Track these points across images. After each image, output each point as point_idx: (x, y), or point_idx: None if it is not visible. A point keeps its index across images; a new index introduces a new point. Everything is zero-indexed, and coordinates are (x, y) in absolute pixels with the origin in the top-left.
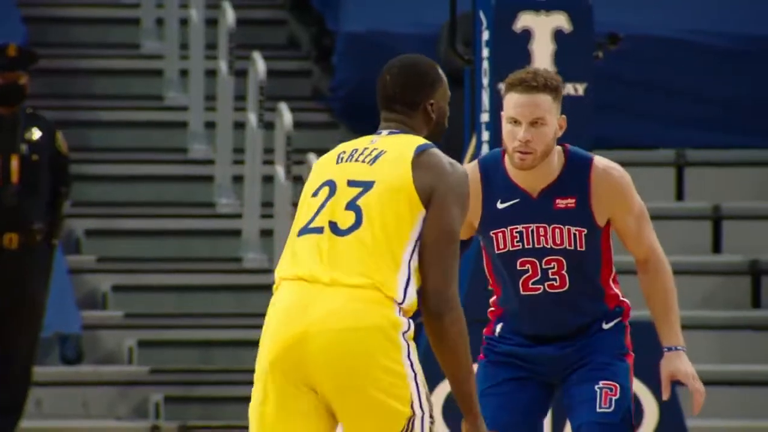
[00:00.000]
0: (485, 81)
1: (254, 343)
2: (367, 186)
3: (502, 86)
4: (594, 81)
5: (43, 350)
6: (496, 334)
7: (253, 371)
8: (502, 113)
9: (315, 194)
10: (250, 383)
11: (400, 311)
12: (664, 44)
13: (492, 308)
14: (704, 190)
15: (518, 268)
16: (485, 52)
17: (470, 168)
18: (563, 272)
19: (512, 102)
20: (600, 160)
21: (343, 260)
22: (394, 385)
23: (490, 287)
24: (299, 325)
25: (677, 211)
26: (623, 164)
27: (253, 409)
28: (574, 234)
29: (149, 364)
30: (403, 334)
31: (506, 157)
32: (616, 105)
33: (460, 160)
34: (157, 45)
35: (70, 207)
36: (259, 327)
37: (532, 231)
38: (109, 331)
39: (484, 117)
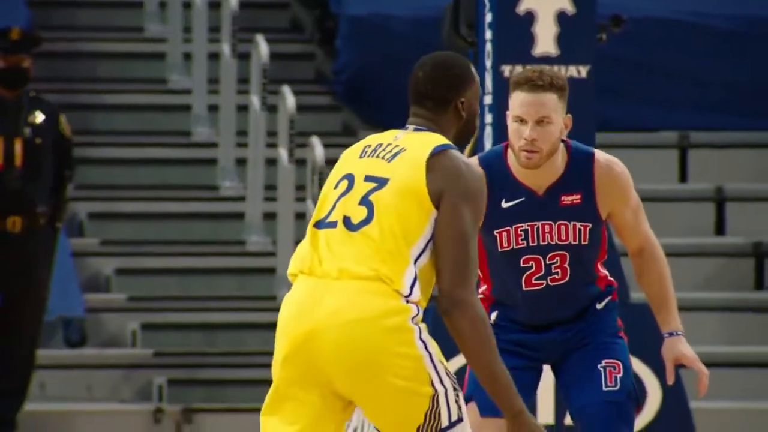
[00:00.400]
0: (488, 63)
1: (257, 326)
2: (381, 182)
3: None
4: (597, 63)
5: (47, 333)
6: (492, 322)
7: (255, 354)
8: (508, 112)
9: (336, 186)
10: (253, 366)
11: (407, 301)
12: (667, 26)
13: (481, 296)
14: (707, 172)
15: (521, 265)
16: (488, 35)
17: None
18: (565, 265)
19: (518, 101)
20: (601, 155)
21: (352, 254)
22: (411, 368)
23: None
24: (308, 322)
25: (680, 193)
26: (626, 147)
27: (266, 405)
28: (580, 229)
29: (152, 347)
30: (412, 318)
31: (509, 155)
32: (619, 87)
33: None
34: (160, 28)
35: (74, 190)
36: (262, 310)
37: (538, 229)
38: (113, 314)
39: (487, 99)
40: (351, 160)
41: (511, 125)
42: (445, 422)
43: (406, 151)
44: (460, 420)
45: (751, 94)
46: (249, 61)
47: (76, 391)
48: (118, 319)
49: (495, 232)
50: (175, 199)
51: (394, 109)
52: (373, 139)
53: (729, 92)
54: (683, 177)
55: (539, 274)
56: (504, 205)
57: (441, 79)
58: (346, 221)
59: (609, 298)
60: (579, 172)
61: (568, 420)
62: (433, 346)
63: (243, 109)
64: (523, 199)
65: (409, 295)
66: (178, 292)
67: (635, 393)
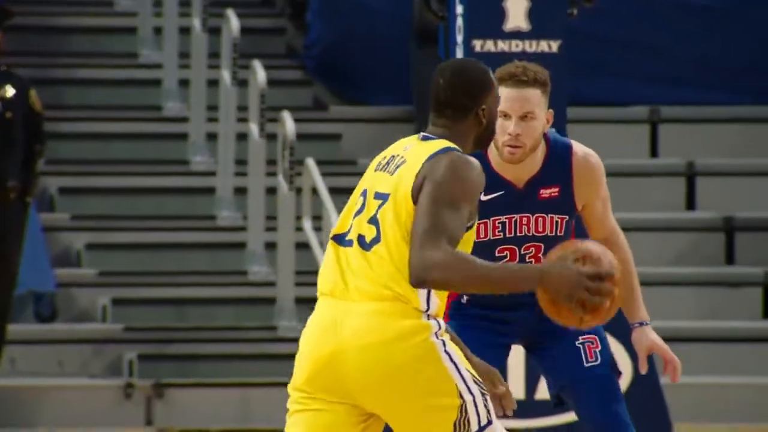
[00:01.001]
0: (459, 38)
1: (228, 301)
2: (384, 199)
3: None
4: (568, 38)
5: (18, 308)
6: (464, 300)
7: (226, 329)
8: None
9: (357, 199)
10: (224, 341)
11: (427, 317)
12: (638, 1)
13: None
14: (678, 147)
15: (496, 254)
16: (459, 9)
17: None
18: (539, 255)
19: (502, 96)
20: (578, 147)
21: (369, 275)
22: (438, 383)
23: None
24: (331, 344)
25: (651, 168)
26: (597, 121)
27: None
28: (557, 221)
29: (123, 322)
30: (435, 333)
31: (490, 149)
32: (590, 62)
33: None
34: (130, 2)
35: (44, 165)
36: (233, 285)
37: (516, 221)
38: (83, 289)
39: None
40: (370, 172)
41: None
42: (474, 428)
43: (405, 163)
44: (489, 423)
45: (722, 69)
46: (220, 36)
47: (47, 366)
48: (88, 294)
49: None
50: (145, 174)
51: (365, 84)
52: (392, 149)
53: (700, 67)
54: (654, 152)
55: None
56: (483, 198)
57: (461, 86)
58: (361, 240)
59: None
60: (558, 165)
61: (540, 395)
62: (458, 355)
63: (214, 83)
64: (502, 192)
65: (428, 309)
66: (148, 267)
67: (615, 363)
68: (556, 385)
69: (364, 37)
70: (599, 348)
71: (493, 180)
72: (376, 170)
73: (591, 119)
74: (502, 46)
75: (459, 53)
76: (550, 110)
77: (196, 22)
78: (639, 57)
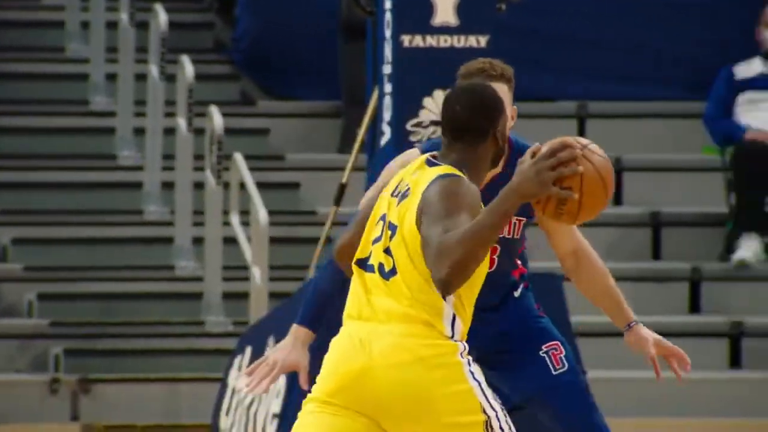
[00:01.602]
0: (387, 33)
1: (155, 296)
2: (394, 230)
3: (406, 47)
4: (497, 33)
5: None
6: None
7: (153, 324)
8: None
9: (376, 224)
10: (151, 336)
11: (453, 340)
12: None
13: None
14: (605, 142)
15: None
16: (387, 4)
17: (414, 153)
18: (494, 257)
19: None
20: None
21: (392, 301)
22: (463, 402)
23: None
24: (360, 361)
25: None
26: (525, 116)
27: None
28: (515, 223)
29: (49, 317)
30: (461, 354)
31: None
32: (518, 57)
33: (363, 114)
34: None
35: None
36: (160, 280)
37: None
38: (9, 284)
39: (387, 69)
40: (387, 195)
41: None
42: None
43: (409, 196)
44: None
45: (649, 64)
46: (147, 30)
47: None
48: (14, 288)
49: None
50: (72, 169)
51: (293, 79)
52: (406, 171)
53: (628, 62)
54: None
55: None
56: None
57: (481, 110)
58: (381, 269)
59: (522, 285)
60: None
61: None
62: (480, 374)
63: (141, 78)
64: None
65: (453, 335)
66: (75, 262)
67: (580, 363)
68: (523, 396)
69: (292, 32)
70: (563, 353)
71: None
72: (393, 195)
73: (519, 114)
74: (431, 41)
75: (387, 49)
76: (514, 107)
77: (124, 16)
78: (567, 52)
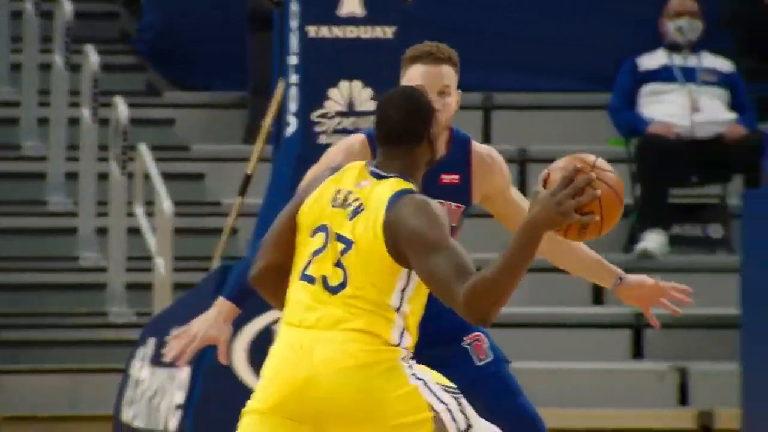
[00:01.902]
0: (294, 24)
1: (59, 287)
2: (348, 244)
3: (312, 38)
4: (404, 24)
5: None
6: None
7: (57, 314)
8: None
9: (313, 235)
10: (55, 327)
11: (397, 346)
12: None
13: None
14: (510, 133)
15: None
16: None
17: (358, 139)
18: None
19: (419, 72)
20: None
21: (336, 314)
22: (408, 403)
23: None
24: (304, 370)
25: None
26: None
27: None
28: (454, 210)
29: None
30: (402, 358)
31: None
32: None
33: (269, 105)
34: None
35: None
36: (64, 270)
37: None
38: None
39: (293, 60)
40: (325, 203)
41: None
42: None
43: (363, 212)
44: (469, 427)
45: (555, 56)
46: (53, 20)
47: None
48: None
49: None
50: None
51: (199, 69)
52: (344, 179)
53: (533, 53)
54: (486, 138)
55: None
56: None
57: (416, 114)
58: (324, 281)
59: None
60: (459, 153)
61: None
62: (423, 371)
63: (46, 67)
64: None
65: (399, 343)
66: None
67: (503, 354)
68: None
69: (198, 22)
70: (487, 344)
71: None
72: (333, 205)
73: None
74: (337, 32)
75: (293, 39)
76: (459, 91)
77: (29, 6)
78: (473, 43)
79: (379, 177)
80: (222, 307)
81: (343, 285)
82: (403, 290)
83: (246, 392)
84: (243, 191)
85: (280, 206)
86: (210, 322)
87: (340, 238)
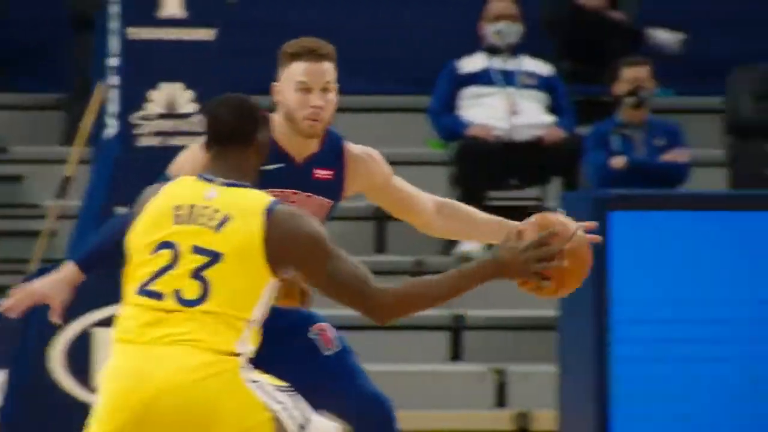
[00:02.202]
0: (114, 25)
1: None
2: (214, 257)
3: (132, 39)
4: (227, 25)
5: None
6: None
7: None
8: (280, 84)
9: (154, 252)
10: None
11: (234, 356)
12: None
13: None
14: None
15: None
16: None
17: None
18: None
19: (301, 69)
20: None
21: (184, 327)
22: (246, 408)
23: None
24: (145, 390)
25: None
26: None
27: None
28: (322, 204)
29: None
30: (241, 367)
31: (276, 124)
32: (246, 49)
33: (86, 105)
34: None
35: None
36: None
37: (287, 196)
38: None
39: (113, 61)
40: (164, 222)
41: (294, 95)
42: (295, 430)
43: (232, 221)
44: (307, 421)
45: (375, 57)
46: None
47: None
48: None
49: None
50: None
51: (15, 71)
52: (177, 196)
53: (351, 55)
54: None
55: None
56: (264, 167)
57: (242, 116)
58: (177, 295)
59: None
60: (332, 149)
61: None
62: (257, 375)
63: None
64: (282, 165)
65: (240, 353)
66: None
67: (347, 343)
68: (304, 383)
69: (15, 23)
70: (334, 333)
71: (276, 152)
72: (177, 222)
73: None
74: (158, 33)
75: (114, 41)
76: (337, 85)
77: None
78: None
79: (227, 185)
80: (67, 269)
81: (202, 298)
82: (264, 302)
83: (61, 396)
84: (62, 193)
85: (98, 209)
86: (50, 281)
87: (200, 250)
